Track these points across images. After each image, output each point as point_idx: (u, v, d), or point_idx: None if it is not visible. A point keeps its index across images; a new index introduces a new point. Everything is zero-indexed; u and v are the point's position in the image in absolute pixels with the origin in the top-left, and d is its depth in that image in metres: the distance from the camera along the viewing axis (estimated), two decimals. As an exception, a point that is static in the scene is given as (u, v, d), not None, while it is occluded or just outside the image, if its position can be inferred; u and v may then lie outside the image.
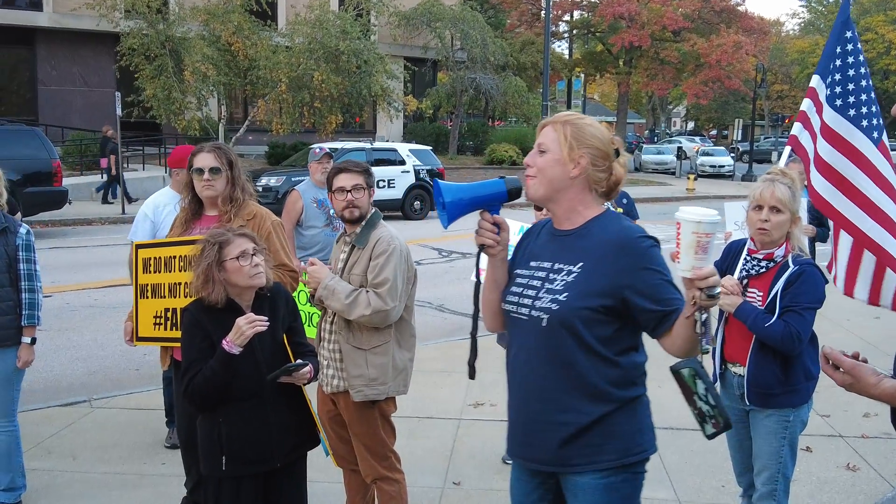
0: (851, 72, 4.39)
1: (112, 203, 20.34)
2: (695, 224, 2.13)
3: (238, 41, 23.31)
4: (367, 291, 3.65)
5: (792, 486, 4.76)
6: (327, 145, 18.97)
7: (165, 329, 3.97)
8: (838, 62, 4.48)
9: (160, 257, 3.99)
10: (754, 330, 3.45)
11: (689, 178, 31.27)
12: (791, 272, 3.47)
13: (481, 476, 5.07)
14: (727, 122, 70.33)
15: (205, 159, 3.90)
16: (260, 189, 17.88)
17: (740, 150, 47.89)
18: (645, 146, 45.75)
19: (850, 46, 4.51)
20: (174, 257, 3.89)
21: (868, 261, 4.41)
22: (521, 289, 2.58)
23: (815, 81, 4.50)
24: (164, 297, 3.96)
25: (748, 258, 3.62)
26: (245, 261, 3.20)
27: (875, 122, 4.27)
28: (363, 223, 3.84)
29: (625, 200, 8.80)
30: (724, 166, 39.05)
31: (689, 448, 5.44)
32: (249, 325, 3.10)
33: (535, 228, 2.75)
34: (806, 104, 4.52)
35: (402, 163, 19.95)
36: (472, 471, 5.14)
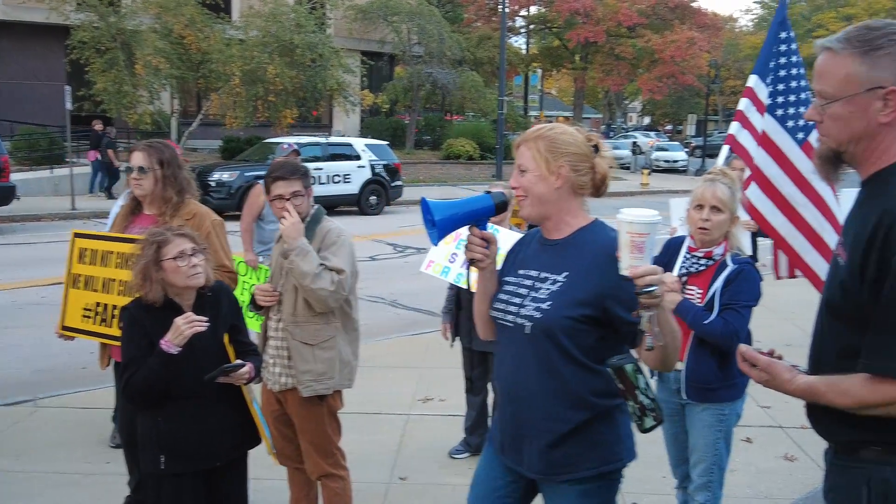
0: (783, 72, 4.51)
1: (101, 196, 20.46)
2: (627, 224, 2.19)
3: (191, 34, 23.00)
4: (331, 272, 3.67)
5: (731, 477, 4.88)
6: (283, 140, 18.92)
7: (94, 323, 3.95)
8: (772, 63, 4.59)
9: (97, 250, 3.96)
10: (694, 327, 3.53)
11: (643, 173, 31.65)
12: (730, 271, 3.55)
13: (428, 471, 5.12)
14: (682, 117, 71.17)
15: (136, 158, 3.90)
16: (213, 184, 17.73)
17: (693, 145, 48.52)
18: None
19: (784, 47, 4.63)
20: (112, 253, 3.87)
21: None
22: (508, 296, 2.63)
23: (753, 81, 4.60)
24: (97, 290, 3.93)
25: (688, 256, 3.69)
26: (183, 261, 3.20)
27: (802, 122, 4.39)
28: (307, 220, 3.85)
29: None
30: (678, 161, 39.55)
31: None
32: (188, 324, 3.10)
33: (528, 237, 2.80)
34: (743, 104, 4.62)
35: (358, 158, 19.88)
36: (418, 466, 5.18)
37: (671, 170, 38.64)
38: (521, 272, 2.65)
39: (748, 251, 6.79)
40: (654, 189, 28.53)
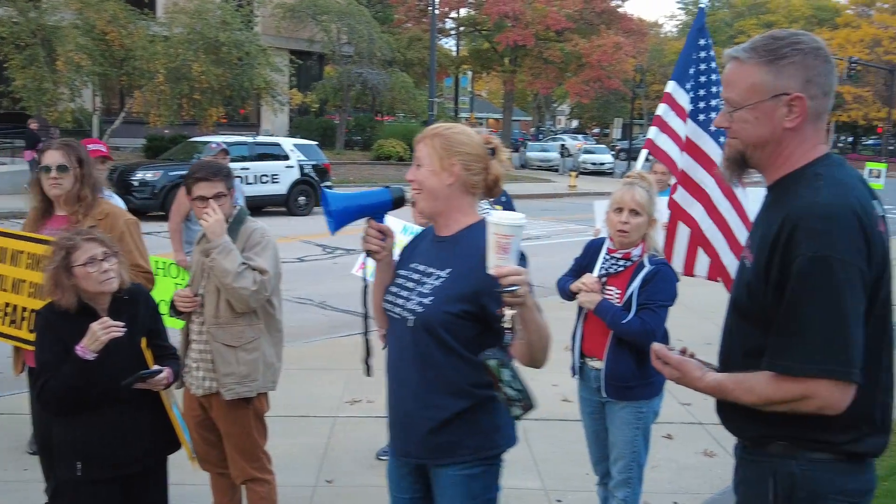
0: (703, 78, 4.64)
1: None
2: (494, 226, 2.28)
3: (113, 30, 22.45)
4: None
5: (652, 473, 4.99)
6: (209, 139, 18.59)
7: (4, 324, 3.83)
8: (692, 69, 4.71)
9: (7, 249, 3.84)
10: (613, 327, 3.62)
11: (571, 176, 32.05)
12: (647, 271, 3.65)
13: (355, 473, 5.09)
14: (609, 120, 72.37)
15: (52, 157, 3.78)
16: (136, 184, 17.33)
17: (619, 148, 49.39)
18: (530, 143, 46.63)
19: (703, 54, 4.76)
20: (22, 253, 3.75)
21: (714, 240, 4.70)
22: (398, 289, 2.71)
23: (671, 87, 4.71)
24: (7, 290, 3.82)
25: (607, 257, 3.78)
26: (93, 266, 3.12)
27: None
28: (230, 222, 3.79)
29: (503, 198, 8.98)
30: (605, 164, 40.19)
31: (558, 437, 5.61)
32: (104, 330, 3.03)
33: (426, 232, 2.86)
34: (662, 109, 4.73)
35: (286, 158, 19.66)
36: (345, 468, 5.16)
37: (598, 172, 39.23)
38: (411, 266, 2.74)
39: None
40: (582, 191, 28.91)
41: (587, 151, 42.38)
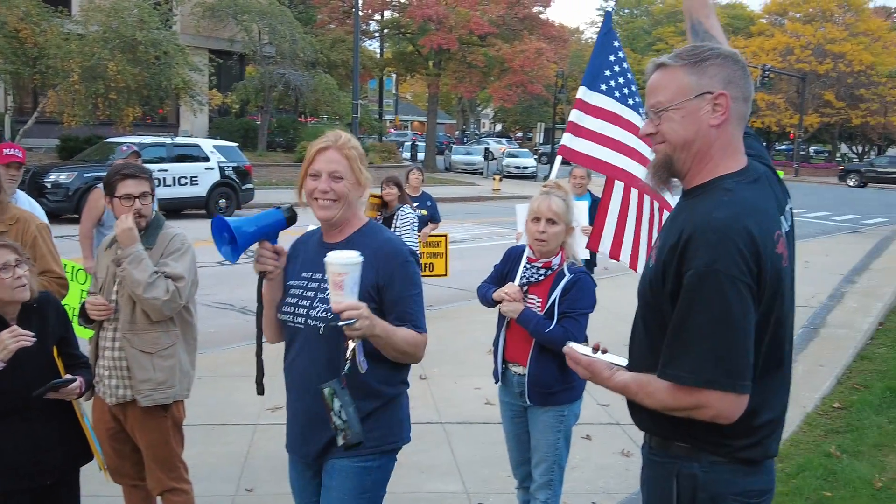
0: (622, 77, 4.74)
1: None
2: (328, 265, 2.45)
3: (26, 28, 21.65)
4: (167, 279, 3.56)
5: (572, 473, 5.06)
6: (125, 139, 18.09)
7: None
8: (607, 72, 4.80)
9: None
10: (535, 335, 3.67)
11: (495, 179, 32.33)
12: (567, 280, 3.71)
13: (276, 480, 5.00)
14: (532, 124, 73.21)
15: None
16: (49, 185, 16.76)
17: (541, 152, 49.99)
18: (455, 147, 46.87)
19: (621, 54, 4.87)
20: None
21: (629, 230, 4.82)
22: (296, 299, 2.76)
23: (582, 92, 4.79)
24: None
25: (527, 266, 3.83)
26: (6, 273, 3.04)
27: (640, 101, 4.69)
28: (149, 226, 3.71)
29: (429, 203, 8.99)
30: (528, 168, 40.66)
31: (480, 441, 5.64)
32: (13, 338, 2.96)
33: (306, 238, 2.91)
34: (575, 115, 4.80)
35: (206, 159, 19.27)
36: (266, 476, 5.08)
37: (521, 175, 39.66)
38: (304, 274, 2.80)
39: (582, 258, 7.12)
40: (505, 194, 29.17)
41: (511, 155, 42.83)
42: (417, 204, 8.73)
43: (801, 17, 56.99)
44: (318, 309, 2.68)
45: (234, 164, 19.86)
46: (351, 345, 2.52)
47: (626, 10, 72.25)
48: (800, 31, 53.80)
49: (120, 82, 22.48)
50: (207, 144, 20.15)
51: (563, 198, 3.74)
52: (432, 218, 9.06)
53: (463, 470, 5.20)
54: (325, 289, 2.65)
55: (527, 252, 3.85)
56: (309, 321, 2.70)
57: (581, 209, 7.04)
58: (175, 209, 17.73)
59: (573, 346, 2.32)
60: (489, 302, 3.91)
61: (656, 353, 2.10)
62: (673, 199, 4.67)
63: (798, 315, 8.21)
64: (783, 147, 68.08)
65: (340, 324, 2.44)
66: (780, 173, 2.44)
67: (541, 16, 41.85)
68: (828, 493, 4.61)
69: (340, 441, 2.54)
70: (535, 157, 45.06)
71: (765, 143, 64.67)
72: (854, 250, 12.56)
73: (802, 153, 53.54)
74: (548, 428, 3.78)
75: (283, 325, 2.83)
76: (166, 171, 17.93)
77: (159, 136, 20.30)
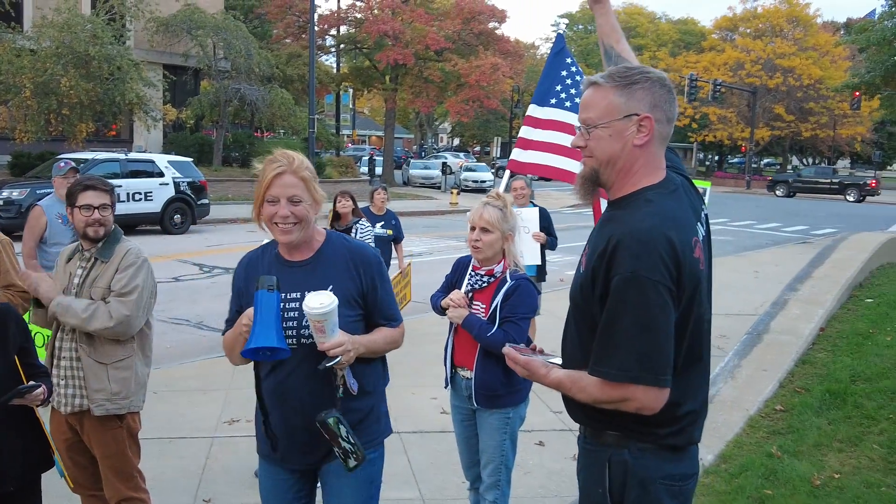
0: (573, 91, 4.92)
1: None
2: (308, 314, 2.61)
3: (-23, 44, 21.40)
4: (108, 302, 3.63)
5: (525, 478, 5.19)
6: (78, 156, 17.93)
7: None
8: (558, 87, 4.97)
9: None
10: (479, 339, 3.82)
11: (453, 193, 32.50)
12: (508, 286, 3.87)
13: (233, 492, 5.07)
14: (489, 139, 73.72)
15: None
16: (1, 202, 16.54)
17: (498, 166, 50.31)
18: (413, 161, 47.01)
19: (573, 69, 5.04)
20: None
21: None
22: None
23: (532, 109, 4.97)
24: None
25: (472, 273, 4.00)
26: None
27: None
28: (107, 240, 3.78)
29: (394, 221, 9.06)
30: (485, 181, 40.91)
31: (435, 449, 5.74)
32: None
33: (257, 254, 2.97)
34: (524, 130, 4.96)
35: (161, 175, 19.17)
36: (224, 487, 5.12)
37: (479, 189, 39.86)
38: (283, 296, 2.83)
39: (534, 263, 7.31)
40: (463, 208, 29.31)
41: (468, 169, 43.06)
42: (382, 223, 8.71)
43: (752, 33, 58.22)
44: (310, 328, 2.71)
45: (189, 180, 19.76)
46: (339, 373, 2.72)
47: (580, 26, 73.17)
48: (750, 46, 54.94)
49: (73, 98, 22.25)
50: (162, 160, 20.03)
51: (500, 207, 3.90)
52: (396, 238, 8.97)
53: (419, 477, 5.30)
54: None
55: (472, 261, 4.01)
56: (303, 340, 2.78)
57: (531, 217, 7.25)
58: (129, 225, 17.59)
59: (511, 347, 2.47)
60: (438, 309, 4.06)
61: (586, 350, 2.27)
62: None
63: (746, 323, 8.44)
64: (735, 160, 69.37)
65: (329, 364, 2.64)
66: (708, 184, 2.62)
67: (496, 31, 42.21)
68: (769, 491, 4.79)
69: (353, 463, 2.74)
70: (493, 170, 45.37)
71: (717, 157, 65.90)
72: (802, 260, 12.91)
73: (754, 166, 54.62)
74: (494, 430, 3.92)
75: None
76: (120, 186, 17.78)
77: (113, 151, 20.12)
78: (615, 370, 2.15)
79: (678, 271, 2.16)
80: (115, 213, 3.84)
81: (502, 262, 3.92)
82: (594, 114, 2.32)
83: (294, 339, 2.78)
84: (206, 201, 20.28)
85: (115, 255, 3.74)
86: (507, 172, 5.09)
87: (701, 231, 2.35)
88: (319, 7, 38.74)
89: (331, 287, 2.73)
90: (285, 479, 2.98)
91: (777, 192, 45.83)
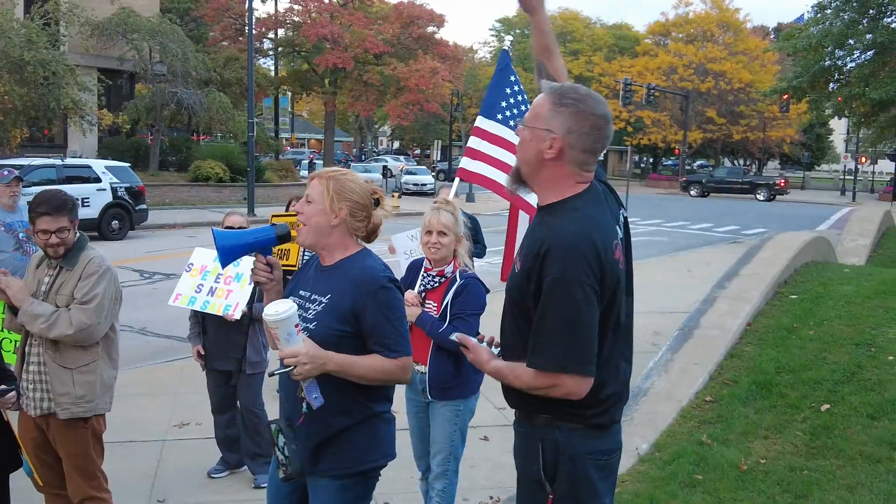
0: (517, 109, 5.16)
1: None
2: (264, 318, 2.69)
3: None
4: (69, 310, 3.73)
5: (471, 471, 5.40)
6: (13, 162, 17.60)
7: None
8: (503, 103, 5.22)
9: None
10: (432, 335, 4.09)
11: (394, 196, 32.61)
12: (458, 285, 4.15)
13: (187, 492, 5.18)
14: (429, 142, 73.92)
15: None
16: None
17: (439, 169, 50.63)
18: (353, 165, 47.01)
19: (516, 87, 5.29)
20: None
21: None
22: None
23: (480, 121, 5.21)
24: None
25: (425, 275, 4.28)
26: None
27: None
28: (72, 249, 3.89)
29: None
30: (426, 185, 41.06)
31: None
32: None
33: (313, 261, 3.10)
34: (473, 141, 5.20)
35: (98, 180, 18.88)
36: (177, 488, 5.23)
37: (420, 193, 40.00)
38: (299, 293, 2.99)
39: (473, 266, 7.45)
40: (405, 211, 29.43)
41: (409, 172, 43.18)
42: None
43: (684, 38, 59.56)
44: (300, 326, 2.78)
45: (127, 185, 19.50)
46: (301, 385, 2.73)
47: (518, 31, 73.89)
48: (682, 51, 56.21)
49: (7, 103, 21.82)
50: (99, 165, 19.72)
51: (451, 212, 4.19)
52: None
53: (368, 473, 5.46)
54: (307, 308, 2.90)
55: (425, 263, 4.28)
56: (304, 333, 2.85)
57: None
58: (67, 232, 17.28)
59: (463, 334, 2.73)
60: None
61: (523, 339, 2.52)
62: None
63: (678, 320, 8.76)
64: (669, 162, 70.78)
65: (279, 371, 2.70)
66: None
67: (435, 36, 42.52)
68: (699, 476, 5.08)
69: (282, 475, 2.83)
70: (433, 174, 45.61)
71: (651, 159, 67.22)
72: (733, 259, 13.34)
73: (687, 168, 55.90)
74: (445, 421, 4.18)
75: None
76: (57, 192, 17.49)
77: (48, 157, 19.80)
78: (546, 360, 2.42)
79: (601, 272, 2.43)
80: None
81: (452, 263, 4.20)
82: (529, 115, 2.62)
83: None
84: (144, 206, 20.03)
85: (79, 262, 3.85)
86: (457, 179, 5.32)
87: (619, 233, 2.61)
88: (257, 10, 38.51)
89: (329, 296, 2.86)
90: (283, 484, 3.03)
91: (691, 193, 47.25)
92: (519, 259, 2.60)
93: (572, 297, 2.38)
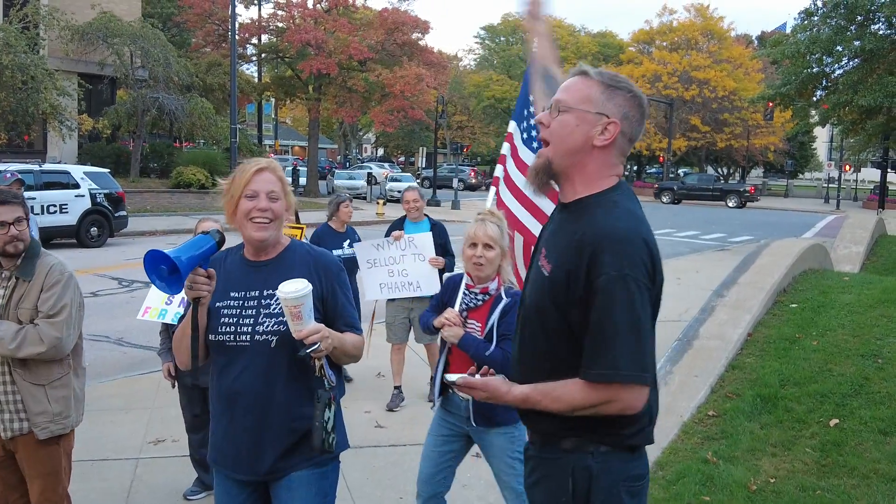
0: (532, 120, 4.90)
1: None
2: (283, 300, 2.58)
3: None
4: (36, 325, 3.47)
5: (465, 491, 5.11)
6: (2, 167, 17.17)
7: None
8: (525, 111, 4.95)
9: None
10: (477, 358, 3.69)
11: (378, 203, 32.36)
12: (505, 303, 3.80)
13: (161, 516, 4.85)
14: (414, 149, 73.70)
15: None
16: None
17: (424, 176, 50.38)
18: (338, 171, 46.69)
19: (531, 108, 5.01)
20: None
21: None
22: (235, 318, 2.81)
23: (512, 127, 4.93)
24: None
25: (466, 292, 3.91)
26: None
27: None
28: (25, 256, 3.59)
29: (357, 238, 8.65)
30: (410, 191, 40.87)
31: (370, 464, 5.61)
32: None
33: (219, 257, 2.95)
34: (505, 147, 4.92)
35: (77, 186, 18.50)
36: (151, 511, 4.90)
37: (404, 200, 39.81)
38: (234, 294, 2.85)
39: (424, 295, 7.06)
40: (389, 218, 29.11)
41: (393, 179, 42.98)
42: (349, 241, 7.72)
43: (668, 46, 59.72)
44: (265, 324, 2.77)
45: (106, 191, 19.12)
46: (318, 363, 2.68)
47: (502, 38, 73.88)
48: (667, 59, 56.35)
49: (-16, 107, 21.43)
50: (77, 171, 19.33)
51: (497, 223, 3.86)
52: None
53: (355, 494, 5.16)
54: (268, 304, 2.79)
55: (465, 279, 3.93)
56: (257, 337, 2.77)
57: (425, 243, 6.90)
58: (44, 238, 16.85)
59: (460, 377, 2.44)
60: (430, 329, 3.99)
61: (556, 359, 2.23)
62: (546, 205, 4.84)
63: (673, 329, 8.54)
64: (653, 170, 70.95)
65: (308, 351, 2.59)
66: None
67: (420, 42, 42.29)
68: (706, 497, 4.81)
69: (317, 443, 2.72)
70: (418, 181, 45.39)
71: (636, 167, 67.33)
72: (723, 266, 13.21)
73: (672, 175, 55.93)
74: (502, 452, 3.86)
75: (218, 346, 2.84)
76: (34, 199, 17.08)
77: (27, 162, 19.37)
78: (608, 370, 2.11)
79: (654, 269, 2.18)
80: (37, 226, 3.66)
81: (497, 280, 3.87)
82: (571, 98, 2.31)
83: (248, 336, 2.78)
84: (123, 213, 19.67)
85: (37, 272, 3.56)
86: (493, 189, 5.03)
87: None
88: (240, 15, 38.13)
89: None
90: (237, 492, 2.91)
91: (663, 199, 47.55)
92: (548, 261, 2.30)
93: (632, 297, 2.11)
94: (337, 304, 2.89)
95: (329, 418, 2.75)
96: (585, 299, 2.15)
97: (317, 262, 2.90)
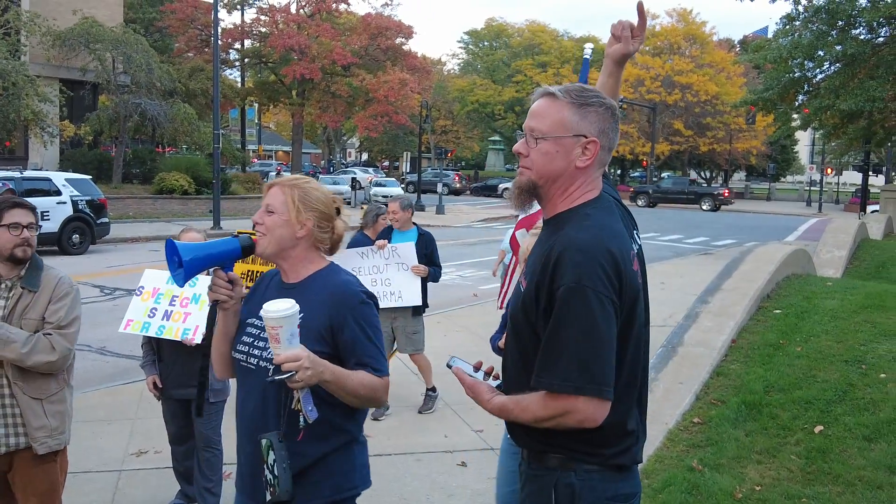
0: None
1: None
2: (263, 317, 2.39)
3: None
4: (49, 335, 3.45)
5: (448, 501, 5.08)
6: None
7: None
8: None
9: None
10: None
11: (362, 208, 32.23)
12: None
13: (143, 530, 4.79)
14: (398, 154, 73.67)
15: None
16: None
17: (408, 180, 50.34)
18: (322, 176, 46.61)
19: None
20: None
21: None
22: (252, 339, 2.69)
23: None
24: None
25: None
26: None
27: None
28: (30, 266, 3.58)
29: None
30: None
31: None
32: None
33: (265, 279, 2.86)
34: None
35: (58, 193, 18.36)
36: (133, 526, 4.84)
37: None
38: (261, 315, 2.68)
39: (406, 305, 6.96)
40: (373, 224, 29.14)
41: (378, 184, 42.97)
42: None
43: (651, 50, 59.96)
44: (269, 350, 2.57)
45: (88, 198, 18.99)
46: (296, 395, 2.46)
47: (486, 43, 74.04)
48: (650, 64, 56.57)
49: (-37, 114, 21.23)
50: (59, 177, 19.18)
51: None
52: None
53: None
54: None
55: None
56: (261, 363, 2.65)
57: (407, 252, 6.86)
58: (25, 246, 16.75)
59: (459, 368, 2.41)
60: (498, 350, 3.96)
61: (528, 370, 2.21)
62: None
63: (657, 335, 8.53)
64: (636, 174, 71.18)
65: (279, 377, 2.37)
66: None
67: (403, 47, 42.37)
68: (693, 506, 4.80)
69: (268, 497, 2.49)
70: (402, 186, 45.39)
71: (619, 171, 67.54)
72: (706, 271, 13.25)
73: (655, 180, 56.17)
74: None
75: (235, 364, 2.75)
76: (14, 206, 16.94)
77: (7, 169, 19.18)
78: (558, 380, 2.10)
79: (619, 282, 2.14)
80: None
81: None
82: (544, 125, 2.27)
83: (256, 359, 2.67)
84: (106, 220, 19.52)
85: (43, 283, 3.56)
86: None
87: (635, 246, 2.34)
88: (223, 21, 38.06)
89: (302, 315, 2.52)
90: None
91: (639, 203, 47.93)
92: (525, 277, 2.30)
93: (588, 307, 2.08)
94: (348, 340, 2.62)
95: (273, 463, 2.50)
96: (548, 310, 2.15)
97: (333, 290, 2.67)
